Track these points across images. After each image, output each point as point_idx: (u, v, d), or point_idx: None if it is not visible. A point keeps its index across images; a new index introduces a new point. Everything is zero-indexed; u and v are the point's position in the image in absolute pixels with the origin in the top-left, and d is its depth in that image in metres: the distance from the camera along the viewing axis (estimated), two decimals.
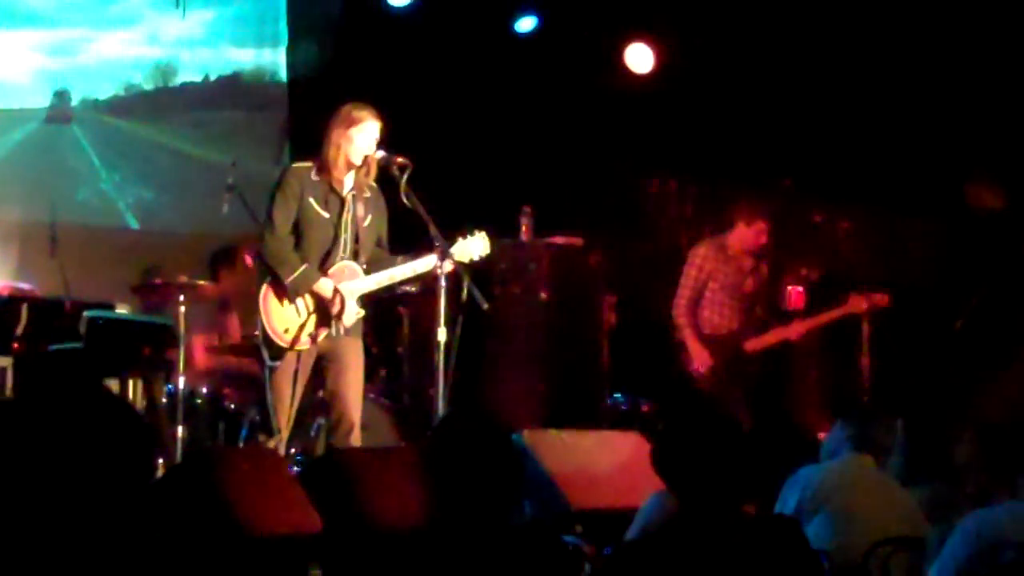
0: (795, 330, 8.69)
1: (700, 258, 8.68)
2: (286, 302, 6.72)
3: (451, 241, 6.75)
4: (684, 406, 4.70)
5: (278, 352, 6.73)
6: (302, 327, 6.72)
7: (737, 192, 9.14)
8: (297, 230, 6.76)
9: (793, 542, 3.89)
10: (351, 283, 6.80)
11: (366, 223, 6.84)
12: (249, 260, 7.23)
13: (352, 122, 6.74)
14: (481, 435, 3.63)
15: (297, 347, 6.73)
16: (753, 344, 8.64)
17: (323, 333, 6.75)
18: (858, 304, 8.56)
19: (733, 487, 3.84)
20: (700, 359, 8.56)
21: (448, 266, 6.67)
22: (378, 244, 6.94)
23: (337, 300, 6.72)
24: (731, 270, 8.65)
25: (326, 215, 6.76)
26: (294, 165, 6.94)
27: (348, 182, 6.82)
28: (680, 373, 8.63)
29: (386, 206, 6.95)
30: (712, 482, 3.83)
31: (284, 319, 6.73)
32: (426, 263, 6.78)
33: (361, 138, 6.75)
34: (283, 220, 6.74)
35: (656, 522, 4.50)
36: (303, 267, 6.69)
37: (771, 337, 8.66)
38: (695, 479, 3.85)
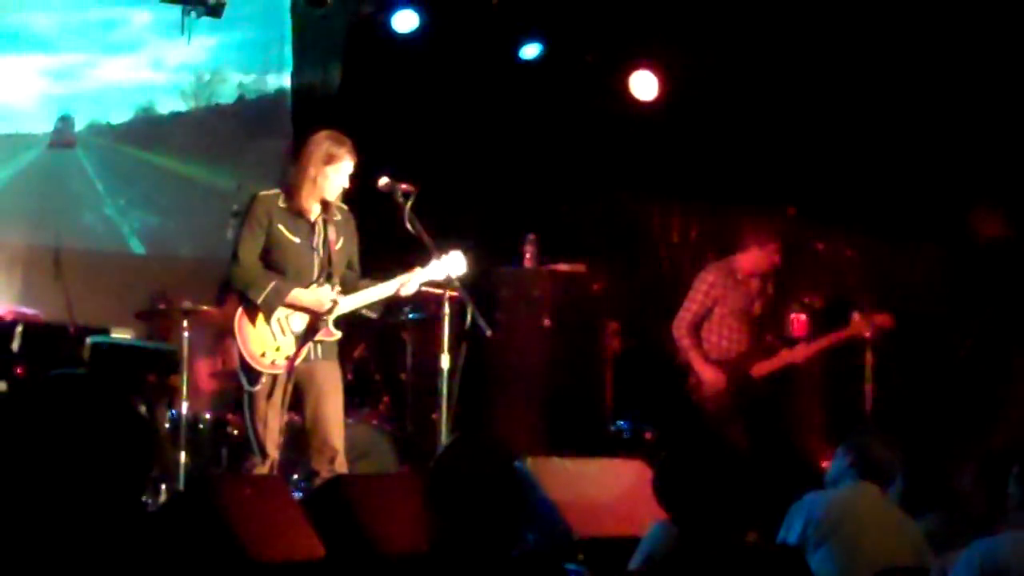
0: (800, 353, 8.59)
1: (708, 284, 8.58)
2: (261, 325, 6.66)
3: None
4: (686, 434, 4.68)
5: (256, 376, 6.69)
6: (278, 350, 6.70)
7: (741, 218, 9.14)
8: (270, 257, 6.69)
9: (797, 573, 3.88)
10: None
11: (338, 246, 6.76)
12: None
13: (331, 159, 6.66)
14: (484, 462, 3.62)
15: (274, 370, 6.68)
16: (759, 369, 8.57)
17: (301, 355, 6.70)
18: (862, 326, 8.45)
19: (734, 517, 3.84)
20: (709, 378, 8.46)
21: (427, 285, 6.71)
22: (349, 267, 6.87)
23: (322, 300, 6.70)
24: (740, 294, 8.57)
25: (297, 240, 6.70)
26: (260, 193, 6.79)
27: (316, 207, 6.76)
28: (686, 395, 8.57)
29: (356, 229, 6.89)
30: (712, 511, 3.82)
31: (260, 343, 6.68)
32: (398, 284, 6.75)
33: (337, 177, 6.68)
34: (248, 252, 6.67)
35: (660, 551, 4.48)
36: (272, 283, 6.63)
37: (777, 361, 8.58)
38: (695, 509, 3.85)
